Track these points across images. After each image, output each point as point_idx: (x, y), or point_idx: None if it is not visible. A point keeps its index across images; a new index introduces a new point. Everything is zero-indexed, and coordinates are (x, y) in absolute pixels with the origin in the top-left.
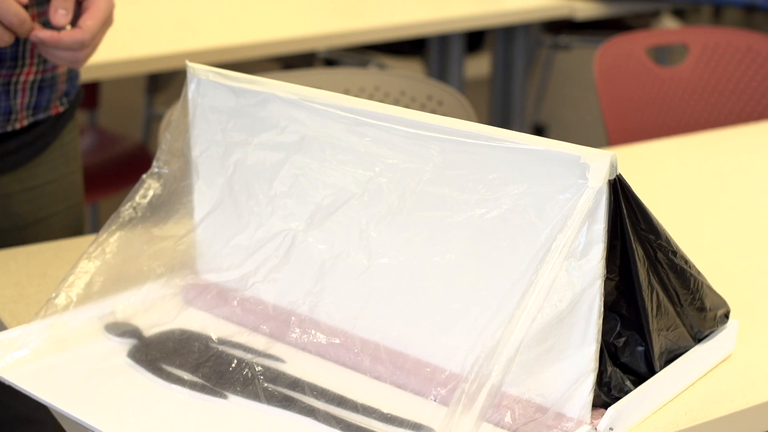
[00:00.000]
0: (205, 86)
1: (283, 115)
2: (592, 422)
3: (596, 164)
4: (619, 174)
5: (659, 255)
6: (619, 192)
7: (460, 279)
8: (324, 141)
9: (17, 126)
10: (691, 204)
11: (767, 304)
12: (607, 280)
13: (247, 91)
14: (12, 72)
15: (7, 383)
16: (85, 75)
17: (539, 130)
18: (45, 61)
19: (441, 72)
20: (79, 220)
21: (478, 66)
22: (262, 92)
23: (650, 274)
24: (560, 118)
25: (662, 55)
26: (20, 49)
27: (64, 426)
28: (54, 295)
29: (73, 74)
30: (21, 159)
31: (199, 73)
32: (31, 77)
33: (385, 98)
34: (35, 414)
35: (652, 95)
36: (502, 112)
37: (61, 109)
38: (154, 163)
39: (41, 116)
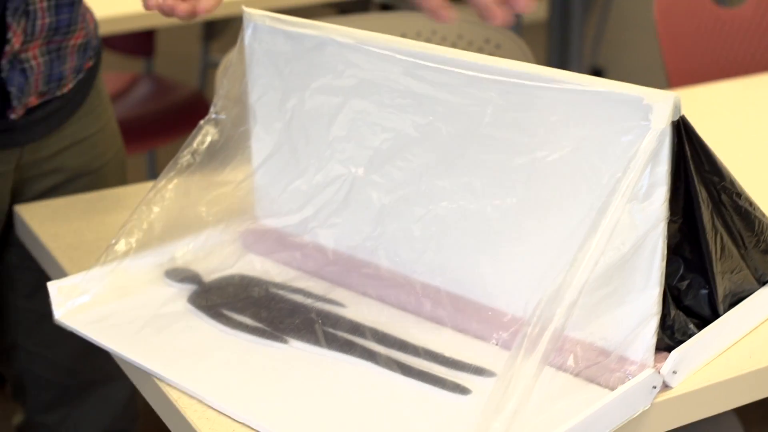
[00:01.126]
0: (262, 31)
1: (340, 59)
2: (655, 366)
3: (659, 105)
4: (683, 115)
5: (723, 197)
6: (683, 133)
7: (521, 222)
8: (382, 85)
9: (65, 90)
10: (753, 145)
11: None
12: (671, 222)
13: (303, 36)
14: (64, 38)
15: (68, 329)
16: (140, 23)
17: (597, 73)
18: (88, 23)
19: None
20: (124, 165)
21: (536, 9)
22: (318, 36)
23: (714, 216)
24: (619, 61)
25: None
26: (74, 15)
27: (126, 371)
28: (114, 241)
29: (96, 26)
30: (63, 116)
31: (255, 18)
32: (79, 41)
33: (442, 42)
34: (100, 377)
35: (714, 36)
36: (559, 55)
37: (91, 63)
38: (212, 109)
39: (81, 76)
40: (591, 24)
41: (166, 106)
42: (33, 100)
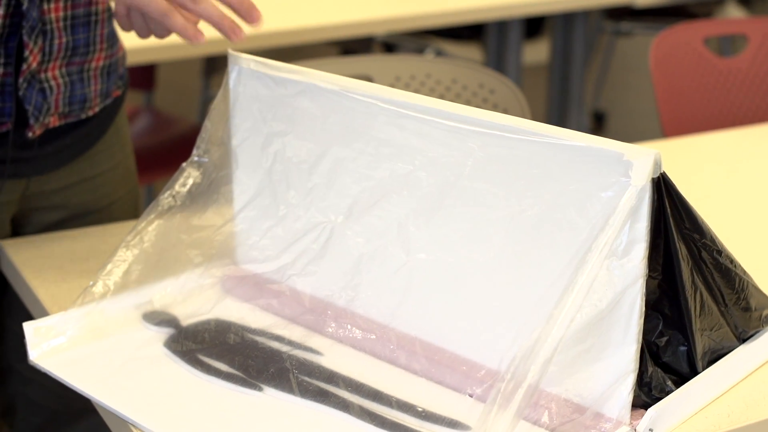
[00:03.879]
0: (246, 75)
1: (323, 105)
2: (631, 423)
3: (639, 162)
4: (663, 172)
5: (704, 254)
6: (663, 190)
7: (498, 276)
8: (364, 133)
9: (90, 113)
10: (746, 197)
11: None
12: (650, 278)
13: (287, 81)
14: (84, 59)
15: (43, 371)
16: (142, 57)
17: (599, 117)
18: (112, 46)
19: (499, 57)
20: (136, 204)
21: (537, 52)
22: (302, 82)
23: (694, 273)
24: (621, 105)
25: (726, 45)
26: (91, 35)
27: (102, 414)
28: (92, 283)
29: (125, 55)
30: (76, 152)
31: (240, 61)
32: (101, 63)
33: (436, 85)
34: (91, 405)
35: (710, 86)
36: (560, 98)
37: (119, 92)
38: (194, 152)
39: (108, 101)
40: (594, 67)
41: (165, 140)
42: (54, 120)
